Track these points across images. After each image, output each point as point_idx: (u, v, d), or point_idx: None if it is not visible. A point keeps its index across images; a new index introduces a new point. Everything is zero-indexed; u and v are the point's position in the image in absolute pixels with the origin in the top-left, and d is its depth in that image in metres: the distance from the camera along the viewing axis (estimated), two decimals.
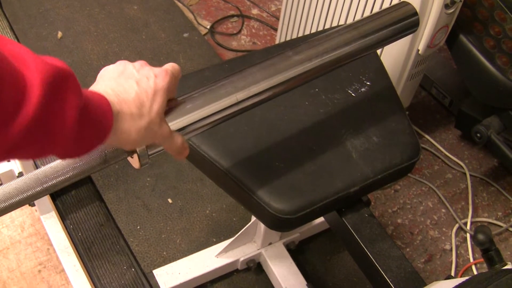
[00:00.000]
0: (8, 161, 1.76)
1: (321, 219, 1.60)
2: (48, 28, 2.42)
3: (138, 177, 1.94)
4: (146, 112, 0.74)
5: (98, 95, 0.68)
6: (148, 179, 1.95)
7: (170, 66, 0.81)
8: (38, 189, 0.72)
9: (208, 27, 2.53)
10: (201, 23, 2.55)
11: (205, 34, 2.50)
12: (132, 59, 0.80)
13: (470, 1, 1.75)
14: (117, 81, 0.74)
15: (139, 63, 0.78)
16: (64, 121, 0.60)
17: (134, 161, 0.81)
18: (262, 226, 1.61)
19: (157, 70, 0.78)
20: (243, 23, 2.58)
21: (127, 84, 0.74)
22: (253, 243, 1.70)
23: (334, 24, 1.89)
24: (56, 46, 2.34)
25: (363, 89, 1.24)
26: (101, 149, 0.76)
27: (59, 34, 2.39)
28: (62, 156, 0.68)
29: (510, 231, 1.98)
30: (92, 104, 0.65)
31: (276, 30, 2.49)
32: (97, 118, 0.66)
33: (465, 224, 1.97)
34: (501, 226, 1.98)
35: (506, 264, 1.28)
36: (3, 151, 0.57)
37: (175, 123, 0.81)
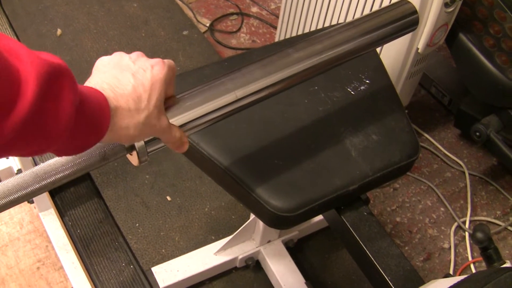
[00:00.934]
0: (7, 158, 1.76)
1: (320, 217, 1.60)
2: (48, 25, 2.42)
3: (137, 175, 1.94)
4: (144, 106, 0.72)
5: (94, 91, 0.67)
6: (147, 176, 1.95)
7: (166, 60, 0.79)
8: (37, 186, 0.72)
9: (208, 25, 2.53)
10: (200, 21, 2.55)
11: (204, 32, 2.50)
12: None
13: (470, 0, 1.75)
14: (112, 73, 0.72)
15: (135, 54, 0.77)
16: (59, 117, 0.59)
17: (133, 159, 0.81)
18: (260, 224, 1.61)
19: (153, 61, 0.76)
20: (242, 21, 2.58)
21: (123, 77, 0.72)
22: (252, 241, 1.71)
23: (334, 22, 1.89)
24: (56, 44, 2.34)
25: (362, 87, 1.24)
26: (100, 146, 0.76)
27: (59, 31, 2.39)
28: (60, 153, 0.67)
29: (508, 229, 1.98)
30: (88, 101, 0.64)
31: (275, 28, 2.49)
32: (93, 115, 0.65)
33: (464, 222, 1.97)
34: (499, 225, 1.98)
35: (504, 263, 1.28)
36: None
37: (174, 121, 0.81)
